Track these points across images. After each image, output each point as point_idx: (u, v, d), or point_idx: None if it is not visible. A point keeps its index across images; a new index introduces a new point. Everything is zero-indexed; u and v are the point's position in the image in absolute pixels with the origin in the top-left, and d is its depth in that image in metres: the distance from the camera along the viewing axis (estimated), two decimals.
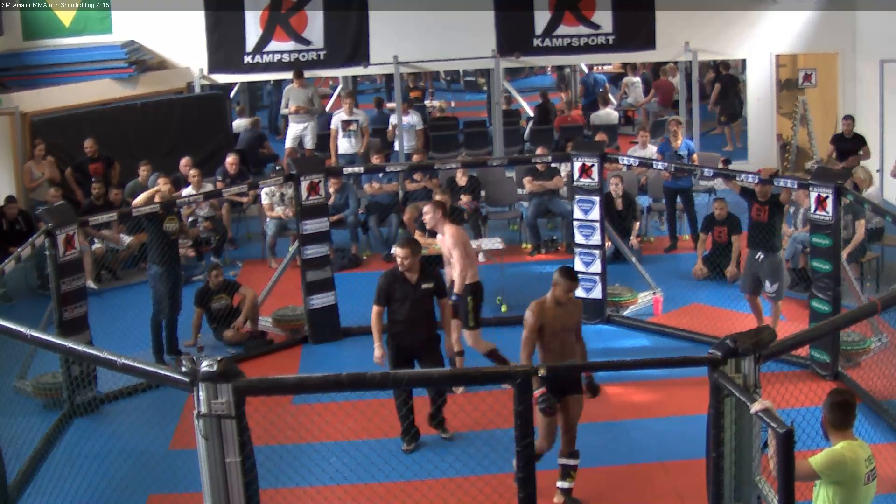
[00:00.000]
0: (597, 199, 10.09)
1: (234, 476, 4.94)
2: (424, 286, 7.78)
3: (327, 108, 17.53)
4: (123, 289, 11.68)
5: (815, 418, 5.32)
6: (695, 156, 12.67)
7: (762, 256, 9.46)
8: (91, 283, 11.10)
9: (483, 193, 13.30)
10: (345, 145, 14.30)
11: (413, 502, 6.57)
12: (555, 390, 6.68)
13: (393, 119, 15.30)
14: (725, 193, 11.59)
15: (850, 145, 12.95)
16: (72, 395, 8.44)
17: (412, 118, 15.10)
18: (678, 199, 12.72)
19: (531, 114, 17.53)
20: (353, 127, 14.32)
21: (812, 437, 5.66)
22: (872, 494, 5.02)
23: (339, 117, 14.44)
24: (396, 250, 7.81)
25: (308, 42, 14.91)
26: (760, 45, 15.09)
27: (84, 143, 12.83)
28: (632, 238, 12.10)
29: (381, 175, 13.08)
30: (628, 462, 7.49)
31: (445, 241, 8.84)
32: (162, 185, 10.18)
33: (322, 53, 14.95)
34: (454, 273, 8.75)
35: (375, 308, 7.85)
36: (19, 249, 8.14)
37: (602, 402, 8.32)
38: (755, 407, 4.85)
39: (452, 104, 21.31)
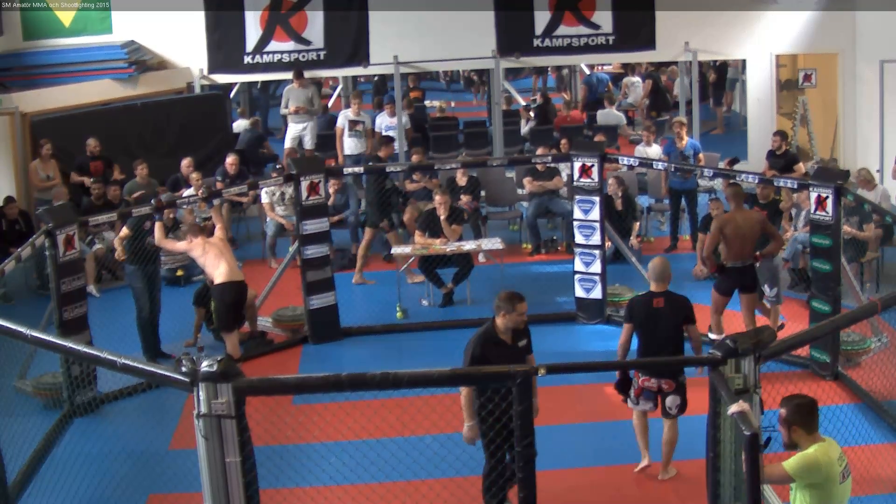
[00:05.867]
0: (597, 199, 10.09)
1: (234, 476, 4.94)
2: (521, 344, 6.46)
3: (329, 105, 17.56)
4: (123, 289, 11.66)
5: None
6: (700, 155, 12.64)
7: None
8: (93, 291, 11.10)
9: (483, 193, 13.29)
10: (351, 145, 14.31)
11: (413, 502, 6.57)
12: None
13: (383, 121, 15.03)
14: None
15: (781, 161, 12.62)
16: (72, 395, 8.44)
17: (387, 119, 14.81)
18: (682, 200, 12.70)
19: (522, 102, 17.58)
20: (359, 127, 14.33)
21: None
22: (849, 491, 5.00)
23: (345, 117, 14.46)
24: (518, 305, 6.27)
25: (308, 42, 14.91)
26: (760, 46, 15.09)
27: (87, 141, 12.82)
28: (632, 238, 12.09)
29: None
30: (628, 462, 7.48)
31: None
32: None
33: (322, 53, 14.95)
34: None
35: (465, 390, 6.33)
36: (19, 249, 8.13)
37: (602, 402, 8.34)
38: (732, 408, 4.85)
39: (452, 104, 21.30)
